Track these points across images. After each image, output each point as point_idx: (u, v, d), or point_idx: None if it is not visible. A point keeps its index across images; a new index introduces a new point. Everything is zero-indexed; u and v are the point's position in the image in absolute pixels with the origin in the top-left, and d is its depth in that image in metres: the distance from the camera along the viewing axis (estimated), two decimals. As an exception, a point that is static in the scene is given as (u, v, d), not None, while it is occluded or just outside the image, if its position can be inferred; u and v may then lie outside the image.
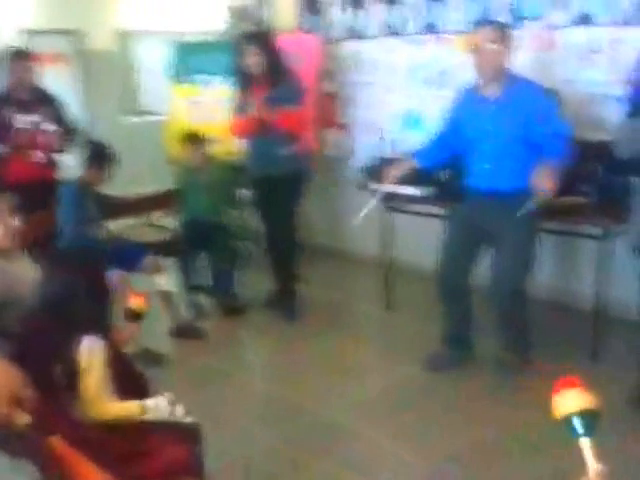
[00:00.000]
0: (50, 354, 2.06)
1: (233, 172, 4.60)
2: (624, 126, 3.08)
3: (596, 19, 4.04)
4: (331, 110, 5.32)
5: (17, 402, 1.79)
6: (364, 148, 5.32)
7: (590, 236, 3.62)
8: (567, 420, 1.40)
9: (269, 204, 4.33)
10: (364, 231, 5.23)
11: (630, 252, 3.55)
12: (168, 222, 4.64)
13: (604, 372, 3.53)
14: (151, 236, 4.46)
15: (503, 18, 4.28)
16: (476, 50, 3.36)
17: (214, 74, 5.49)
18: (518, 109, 3.29)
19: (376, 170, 4.56)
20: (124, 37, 6.87)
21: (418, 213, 4.45)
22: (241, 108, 4.20)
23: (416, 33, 4.91)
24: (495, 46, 3.29)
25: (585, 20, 4.09)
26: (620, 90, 3.91)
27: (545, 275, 4.28)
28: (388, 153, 4.92)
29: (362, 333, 4.34)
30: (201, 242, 4.46)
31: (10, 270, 2.39)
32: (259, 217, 4.50)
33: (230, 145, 4.92)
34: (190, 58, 5.59)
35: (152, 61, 6.78)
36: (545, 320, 4.03)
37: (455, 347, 3.70)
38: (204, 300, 4.52)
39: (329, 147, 5.36)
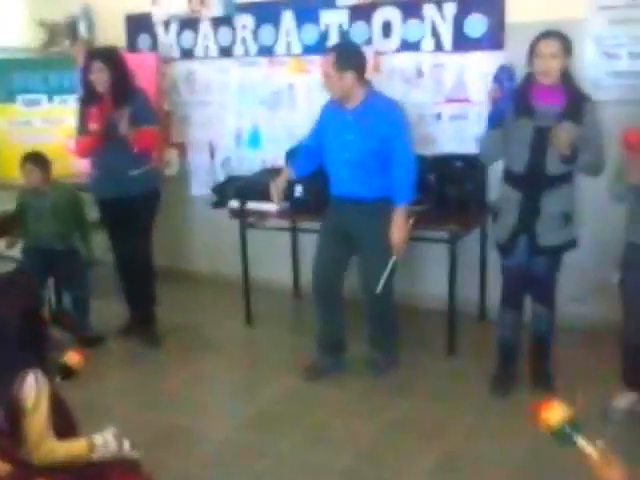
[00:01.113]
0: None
1: (78, 195, 4.43)
2: (484, 137, 3.47)
3: (419, 46, 4.50)
4: (168, 129, 5.33)
5: None
6: (201, 167, 5.41)
7: (439, 240, 4.03)
8: (558, 430, 1.67)
9: (121, 226, 4.25)
10: (215, 250, 5.35)
11: (471, 253, 4.06)
12: (12, 252, 4.36)
13: (462, 363, 3.98)
14: (-2, 267, 4.18)
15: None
16: (323, 75, 3.63)
17: (39, 93, 5.24)
18: (374, 125, 3.56)
19: (224, 188, 4.71)
20: None
21: (273, 228, 4.64)
22: (84, 127, 4.12)
23: (249, 55, 5.09)
24: (328, 74, 3.56)
25: (409, 46, 4.54)
26: (443, 109, 4.44)
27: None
28: (234, 172, 5.06)
29: (230, 351, 4.39)
30: (47, 271, 4.28)
31: None
32: (110, 240, 4.40)
33: (68, 166, 4.76)
34: (9, 77, 5.27)
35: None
36: (401, 322, 4.39)
37: (331, 353, 3.92)
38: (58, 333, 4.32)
39: (167, 167, 5.36)
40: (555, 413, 1.68)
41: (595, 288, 4.12)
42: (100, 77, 4.00)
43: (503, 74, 3.33)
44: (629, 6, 3.89)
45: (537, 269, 3.46)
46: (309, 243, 4.42)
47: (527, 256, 3.43)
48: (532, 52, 3.25)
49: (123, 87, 4.06)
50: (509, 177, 3.43)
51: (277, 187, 3.87)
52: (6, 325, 2.04)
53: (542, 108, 3.22)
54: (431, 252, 4.47)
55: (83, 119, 4.15)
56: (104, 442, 2.09)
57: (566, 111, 3.20)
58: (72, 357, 2.41)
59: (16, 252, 4.34)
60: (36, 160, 4.23)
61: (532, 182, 3.30)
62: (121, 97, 4.02)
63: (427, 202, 4.10)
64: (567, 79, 3.26)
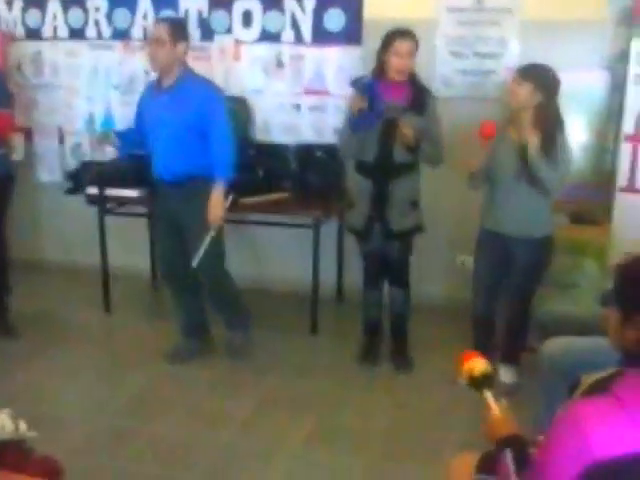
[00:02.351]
0: None
1: None
2: (346, 138, 3.63)
3: (280, 37, 4.62)
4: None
5: None
6: (49, 153, 5.18)
7: (302, 226, 4.17)
8: (473, 379, 1.84)
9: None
10: (68, 238, 5.14)
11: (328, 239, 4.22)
12: None
13: (324, 342, 4.17)
14: None
15: (195, 31, 4.64)
16: (154, 42, 3.60)
17: None
18: (189, 99, 3.60)
19: (79, 174, 4.56)
20: None
21: (130, 214, 4.55)
22: None
23: (103, 38, 4.95)
24: (163, 41, 3.56)
25: (270, 37, 4.64)
26: (303, 100, 4.60)
27: (253, 265, 4.76)
28: (85, 158, 4.90)
29: (91, 340, 4.28)
30: None
31: None
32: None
33: None
34: None
35: None
36: (259, 305, 4.47)
37: (195, 336, 3.94)
38: None
39: (12, 152, 5.06)
40: (479, 364, 1.86)
41: (444, 269, 4.46)
42: None
43: (362, 84, 3.45)
44: (475, 9, 4.25)
45: (391, 253, 3.71)
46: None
47: (381, 241, 3.66)
48: (387, 50, 3.46)
49: None
50: (360, 167, 3.64)
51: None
52: None
53: (389, 102, 3.44)
54: (289, 238, 4.60)
55: None
56: (0, 423, 2.00)
57: (411, 105, 3.47)
58: None
59: None
60: None
61: (381, 171, 3.54)
62: None
63: (291, 189, 4.24)
64: (412, 75, 3.53)
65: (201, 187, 3.58)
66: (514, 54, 4.20)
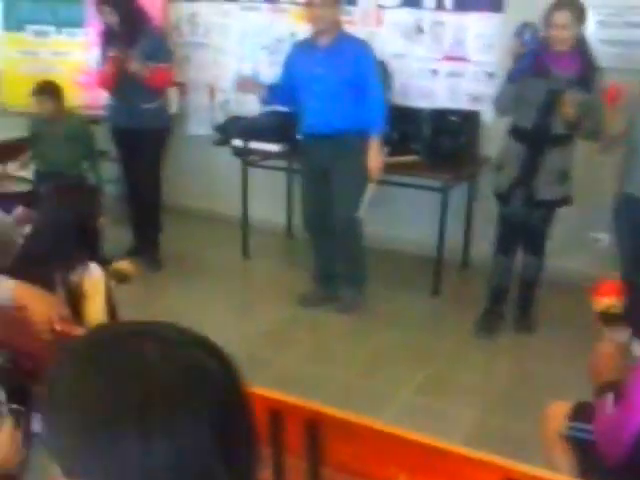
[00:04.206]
0: (51, 282, 2.19)
1: (89, 125, 4.61)
2: (502, 90, 3.66)
3: (421, 3, 4.73)
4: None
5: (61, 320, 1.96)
6: (200, 107, 5.58)
7: (431, 188, 4.30)
8: (606, 315, 2.01)
9: (132, 157, 4.45)
10: (212, 188, 5.53)
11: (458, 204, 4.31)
12: (25, 173, 4.52)
13: (445, 304, 4.31)
14: (12, 187, 4.34)
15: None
16: (311, 4, 3.78)
17: (47, 24, 5.33)
18: (346, 57, 3.82)
19: (227, 128, 4.91)
20: None
21: (271, 168, 4.86)
22: (103, 62, 4.32)
23: (253, 0, 5.25)
24: (331, 2, 3.76)
25: (411, 3, 4.76)
26: (441, 66, 4.69)
27: (381, 225, 4.93)
28: (233, 113, 5.24)
29: (229, 278, 4.66)
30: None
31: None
32: (122, 170, 4.59)
33: (76, 99, 4.90)
34: (19, 6, 5.34)
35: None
36: (385, 264, 4.67)
37: (326, 285, 4.21)
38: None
39: (170, 105, 5.50)
40: (616, 304, 2.02)
41: (580, 244, 4.43)
42: (111, 19, 4.20)
43: (525, 31, 3.52)
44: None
45: (531, 221, 3.71)
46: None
47: (523, 207, 3.68)
48: (547, 23, 3.45)
49: (134, 27, 4.24)
50: (515, 132, 3.65)
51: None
52: (67, 222, 2.26)
53: (556, 72, 3.45)
54: (418, 200, 4.73)
55: (102, 55, 4.34)
56: None
57: (578, 79, 3.43)
58: (126, 264, 2.63)
59: (28, 174, 4.49)
60: (49, 90, 4.39)
61: (536, 139, 3.55)
62: (133, 36, 4.21)
63: (422, 153, 4.37)
64: (581, 46, 3.47)
65: (355, 140, 3.83)
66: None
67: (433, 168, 4.27)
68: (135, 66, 4.13)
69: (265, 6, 5.23)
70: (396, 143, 4.43)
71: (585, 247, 4.39)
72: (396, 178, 4.38)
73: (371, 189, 3.87)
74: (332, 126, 3.83)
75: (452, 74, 4.70)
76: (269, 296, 4.33)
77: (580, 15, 3.42)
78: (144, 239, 4.64)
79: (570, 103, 3.35)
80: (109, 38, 4.28)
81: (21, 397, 1.42)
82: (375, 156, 3.84)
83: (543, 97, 3.47)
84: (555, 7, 3.42)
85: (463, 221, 4.75)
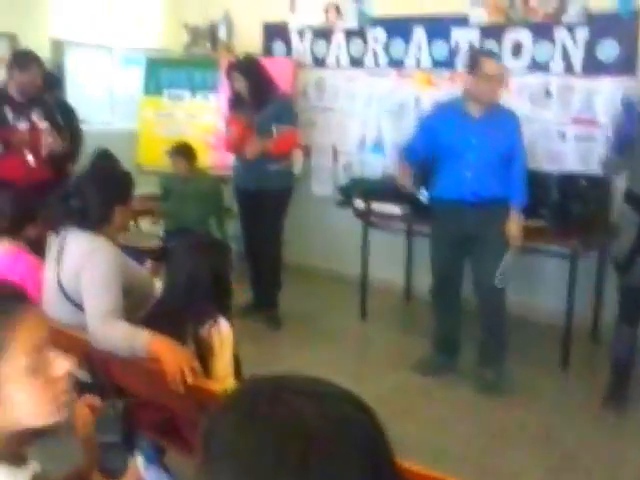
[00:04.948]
0: (183, 336, 2.25)
1: (219, 184, 4.81)
2: (609, 161, 3.61)
3: (549, 67, 4.68)
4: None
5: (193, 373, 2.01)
6: (323, 169, 5.71)
7: (560, 255, 4.15)
8: None
9: (256, 215, 4.57)
10: (333, 248, 5.61)
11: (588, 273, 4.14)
12: (154, 229, 4.77)
13: (574, 378, 4.09)
14: (143, 243, 4.56)
15: (461, 63, 4.85)
16: (492, 79, 3.74)
17: (184, 89, 5.68)
18: (502, 129, 3.79)
19: (349, 189, 4.98)
20: (58, 46, 6.81)
21: (393, 230, 4.87)
22: (230, 127, 4.53)
23: (379, 66, 5.37)
24: (501, 79, 3.79)
25: (538, 67, 4.72)
26: (569, 129, 4.59)
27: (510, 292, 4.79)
28: (355, 175, 5.33)
29: (345, 342, 4.64)
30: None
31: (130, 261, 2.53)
32: (244, 229, 4.73)
33: (207, 158, 5.15)
34: (158, 73, 5.74)
35: (85, 71, 6.76)
36: (513, 334, 4.50)
37: (446, 352, 4.10)
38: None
39: (295, 167, 5.67)
40: None
41: None
42: (240, 85, 4.40)
43: (628, 106, 3.45)
44: None
45: None
46: (424, 247, 4.57)
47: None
48: None
49: (262, 93, 4.40)
50: (630, 197, 3.54)
51: (406, 180, 4.02)
52: (202, 277, 2.33)
53: None
54: (547, 267, 4.58)
55: (231, 121, 4.55)
56: None
57: None
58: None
59: (158, 230, 4.72)
60: (183, 151, 4.64)
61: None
62: (261, 102, 4.38)
63: (549, 218, 4.25)
64: None
65: (501, 209, 3.80)
66: None
67: (561, 234, 4.14)
68: (256, 148, 4.30)
69: (390, 71, 5.33)
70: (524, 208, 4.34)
71: None
72: (524, 244, 4.28)
73: (510, 258, 3.80)
74: (480, 195, 3.81)
75: (582, 138, 4.59)
76: (384, 361, 4.27)
77: None
78: (264, 297, 4.71)
79: None
80: (237, 103, 4.48)
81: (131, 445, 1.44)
82: (516, 226, 3.79)
83: None
84: None
85: (593, 290, 4.55)
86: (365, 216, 4.73)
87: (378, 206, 4.66)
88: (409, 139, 4.12)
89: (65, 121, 4.47)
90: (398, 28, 5.26)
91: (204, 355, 2.26)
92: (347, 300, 5.04)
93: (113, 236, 2.51)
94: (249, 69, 4.42)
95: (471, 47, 4.87)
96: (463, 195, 3.86)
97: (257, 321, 4.65)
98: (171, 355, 2.05)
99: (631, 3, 4.28)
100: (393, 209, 4.59)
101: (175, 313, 2.29)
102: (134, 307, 2.39)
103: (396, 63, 5.31)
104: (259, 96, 4.39)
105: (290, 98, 4.60)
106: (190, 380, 1.99)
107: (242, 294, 4.72)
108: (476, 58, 3.85)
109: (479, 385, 3.93)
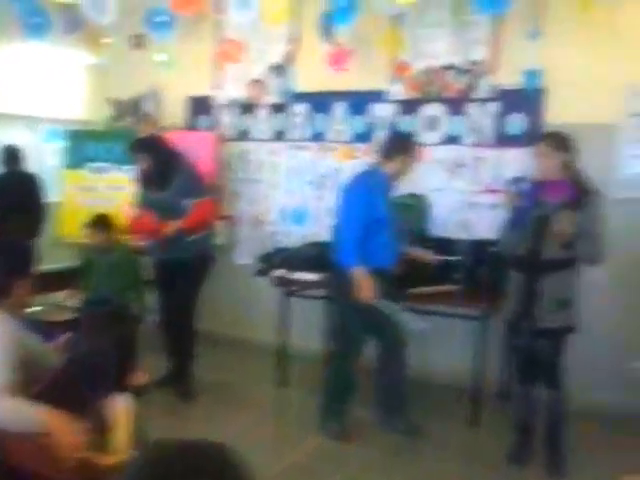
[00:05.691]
0: (80, 410, 2.20)
1: (136, 256, 4.77)
2: (505, 236, 3.76)
3: (461, 140, 4.89)
4: (219, 203, 5.69)
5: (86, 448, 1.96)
6: (247, 239, 5.75)
7: (469, 317, 4.24)
8: None
9: (171, 285, 4.52)
10: (259, 317, 5.60)
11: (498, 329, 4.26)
12: (71, 302, 4.67)
13: (482, 436, 4.15)
14: (57, 315, 4.46)
15: (381, 135, 5.03)
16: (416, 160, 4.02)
17: (106, 162, 5.69)
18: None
19: (270, 258, 5.01)
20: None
21: (314, 297, 4.89)
22: (140, 206, 4.49)
23: (301, 140, 5.51)
24: None
25: (452, 140, 4.93)
26: (481, 198, 4.77)
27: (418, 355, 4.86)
28: (281, 243, 5.38)
29: (263, 409, 4.57)
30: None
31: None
32: (160, 299, 4.67)
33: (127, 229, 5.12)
34: (80, 146, 5.75)
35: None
36: (421, 394, 4.55)
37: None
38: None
39: (217, 237, 5.68)
40: None
41: (612, 374, 4.29)
42: (146, 164, 4.37)
43: (518, 184, 3.67)
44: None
45: (540, 351, 3.60)
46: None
47: (529, 337, 3.61)
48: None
49: (168, 169, 4.38)
50: (513, 261, 3.68)
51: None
52: (103, 351, 2.31)
53: (546, 200, 3.52)
54: (457, 329, 4.67)
55: (139, 199, 4.52)
56: None
57: (567, 202, 3.46)
58: (139, 377, 2.63)
59: (75, 303, 4.63)
60: (101, 222, 4.61)
61: (532, 266, 3.55)
62: (168, 178, 4.37)
63: (461, 283, 4.36)
64: (571, 173, 3.53)
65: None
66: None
67: (471, 297, 4.24)
68: (171, 231, 4.28)
69: (312, 144, 5.47)
70: (435, 273, 4.45)
71: (623, 378, 4.26)
72: (436, 308, 4.37)
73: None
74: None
75: (492, 206, 4.76)
76: (302, 428, 4.20)
77: (561, 144, 3.51)
78: (178, 368, 4.63)
79: (563, 221, 3.37)
80: (145, 182, 4.45)
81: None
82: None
83: (533, 223, 3.51)
84: (538, 138, 3.69)
85: (502, 351, 4.64)
86: (285, 284, 4.76)
87: (297, 274, 4.69)
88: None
89: None
90: (320, 103, 5.43)
91: (102, 429, 2.21)
92: (267, 368, 5.00)
93: (13, 310, 2.46)
94: (151, 147, 4.40)
95: (394, 130, 5.01)
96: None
97: (171, 393, 4.55)
98: (63, 429, 2.00)
99: (536, 80, 4.54)
100: (312, 277, 4.62)
101: (75, 385, 2.25)
102: (31, 381, 2.33)
103: (318, 136, 5.46)
104: (166, 172, 4.37)
105: (194, 169, 4.58)
106: (80, 455, 1.93)
107: (157, 365, 4.64)
108: (407, 143, 4.06)
109: (397, 435, 4.00)
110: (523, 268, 3.60)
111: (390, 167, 3.98)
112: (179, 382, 4.60)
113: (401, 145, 4.03)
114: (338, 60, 4.58)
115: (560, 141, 3.56)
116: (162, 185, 4.37)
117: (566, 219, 3.39)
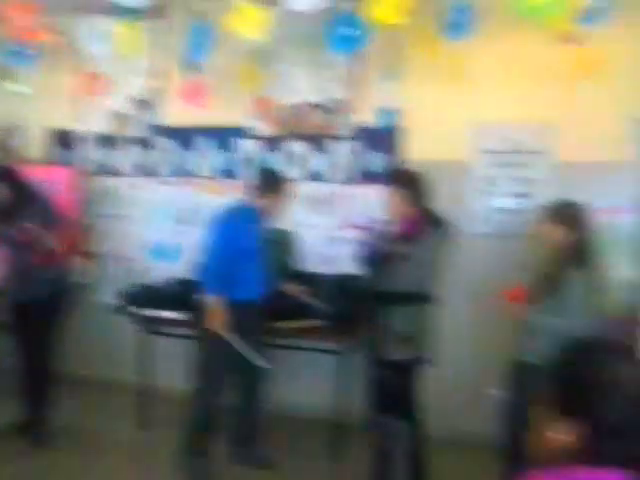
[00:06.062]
0: None
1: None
2: (361, 268, 3.83)
3: (325, 177, 4.96)
4: (80, 239, 5.48)
5: None
6: (109, 276, 5.56)
7: (331, 352, 4.26)
8: None
9: (27, 328, 4.30)
10: (120, 356, 5.38)
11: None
12: None
13: (345, 470, 4.15)
14: None
15: (246, 171, 5.05)
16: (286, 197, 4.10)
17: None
18: None
19: (129, 295, 4.86)
20: None
21: (177, 336, 4.76)
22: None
23: (164, 174, 5.42)
24: None
25: (314, 177, 4.99)
26: (345, 233, 4.85)
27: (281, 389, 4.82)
28: (145, 280, 5.22)
29: (123, 452, 4.40)
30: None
31: None
32: (15, 342, 4.41)
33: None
34: None
35: None
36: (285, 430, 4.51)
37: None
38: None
39: (76, 274, 5.45)
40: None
41: (470, 403, 4.41)
42: (1, 195, 4.22)
43: (371, 220, 3.87)
44: (509, 151, 4.49)
45: (388, 384, 3.66)
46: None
47: (379, 370, 3.68)
48: None
49: (23, 200, 4.24)
50: (367, 295, 3.75)
51: None
52: None
53: (394, 235, 3.65)
54: (319, 364, 4.68)
55: None
56: None
57: (408, 235, 3.59)
58: None
59: None
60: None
61: (378, 299, 3.65)
62: (20, 208, 4.21)
63: (324, 316, 4.38)
64: (419, 208, 3.64)
65: None
66: (545, 194, 4.35)
67: (333, 332, 4.26)
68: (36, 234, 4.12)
69: (176, 179, 5.40)
70: (298, 308, 4.45)
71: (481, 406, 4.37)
72: (299, 342, 4.37)
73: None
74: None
75: (354, 242, 4.80)
76: (164, 470, 4.07)
77: (404, 182, 3.66)
78: (33, 413, 4.38)
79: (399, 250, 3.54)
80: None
81: None
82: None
83: (380, 259, 3.63)
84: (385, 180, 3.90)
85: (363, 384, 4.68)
86: (147, 322, 4.61)
87: (160, 312, 4.57)
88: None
89: None
90: (185, 138, 5.38)
91: None
92: (130, 410, 4.81)
93: None
94: (7, 177, 4.25)
95: (266, 167, 5.00)
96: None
97: (26, 440, 4.30)
98: None
99: (393, 118, 4.68)
100: (175, 315, 4.51)
101: None
102: None
103: (182, 171, 5.40)
104: (18, 205, 4.21)
105: (51, 203, 4.42)
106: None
107: (11, 411, 4.39)
108: (279, 180, 4.11)
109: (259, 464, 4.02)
110: (372, 302, 3.68)
111: (262, 203, 4.03)
112: (35, 428, 4.35)
113: (273, 182, 4.09)
114: (195, 95, 4.55)
115: (404, 178, 3.70)
116: (14, 217, 4.17)
117: (400, 252, 3.52)
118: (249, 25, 3.05)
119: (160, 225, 5.45)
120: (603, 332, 3.20)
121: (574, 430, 1.38)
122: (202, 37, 4.00)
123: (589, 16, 2.87)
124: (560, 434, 1.42)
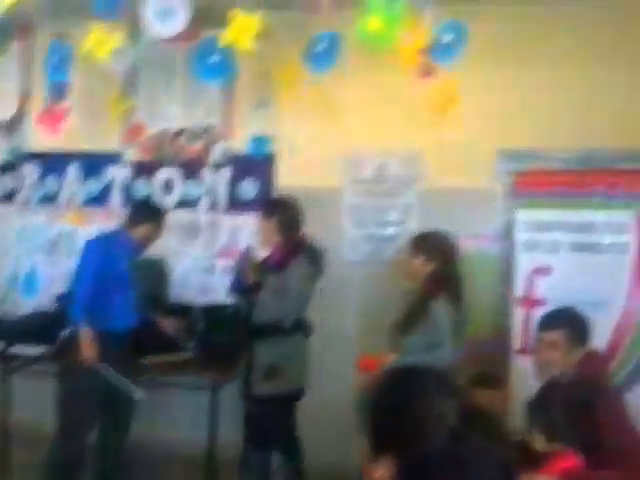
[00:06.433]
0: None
1: None
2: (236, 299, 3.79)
3: (196, 204, 4.86)
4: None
5: None
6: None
7: (201, 388, 4.11)
8: None
9: None
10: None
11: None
12: None
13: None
14: None
15: (117, 198, 4.89)
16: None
17: None
18: None
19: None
20: None
21: (38, 373, 4.49)
22: None
23: (32, 202, 5.17)
24: None
25: (187, 204, 4.88)
26: (217, 262, 4.76)
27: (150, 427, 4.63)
28: (6, 315, 4.92)
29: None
30: None
31: None
32: None
33: None
34: None
35: None
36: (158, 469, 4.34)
37: None
38: None
39: None
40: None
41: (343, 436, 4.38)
42: None
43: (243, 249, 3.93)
44: (376, 180, 4.56)
45: (258, 417, 3.66)
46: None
47: (248, 404, 3.69)
48: None
49: None
50: (259, 329, 3.71)
51: None
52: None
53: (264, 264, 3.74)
54: (192, 398, 4.51)
55: None
56: None
57: (272, 264, 3.69)
58: None
59: None
60: None
61: (246, 332, 3.69)
62: None
63: (193, 350, 4.25)
64: (290, 236, 3.70)
65: None
66: (414, 221, 4.44)
67: (204, 366, 4.13)
68: None
69: (44, 207, 5.16)
70: (169, 340, 4.31)
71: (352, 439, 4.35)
72: (165, 378, 4.20)
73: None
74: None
75: (228, 270, 4.74)
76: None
77: (273, 210, 3.74)
78: None
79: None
80: None
81: None
82: None
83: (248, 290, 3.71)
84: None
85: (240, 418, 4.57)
86: (3, 360, 4.33)
87: (19, 348, 4.30)
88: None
89: None
90: (52, 164, 5.15)
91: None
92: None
93: None
94: None
95: (142, 197, 4.91)
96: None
97: None
98: None
99: (265, 146, 4.66)
100: (36, 350, 4.26)
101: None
102: None
103: (50, 199, 5.17)
104: None
105: None
106: None
107: None
108: (154, 210, 4.07)
109: None
110: (245, 333, 3.67)
111: (136, 232, 3.91)
112: None
113: (148, 212, 4.00)
114: (51, 120, 4.33)
115: (276, 206, 3.69)
116: None
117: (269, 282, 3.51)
118: (104, 49, 2.95)
119: (25, 255, 5.18)
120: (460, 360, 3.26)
121: (391, 465, 1.36)
122: (61, 59, 3.84)
123: (439, 50, 2.94)
124: (380, 469, 1.41)
